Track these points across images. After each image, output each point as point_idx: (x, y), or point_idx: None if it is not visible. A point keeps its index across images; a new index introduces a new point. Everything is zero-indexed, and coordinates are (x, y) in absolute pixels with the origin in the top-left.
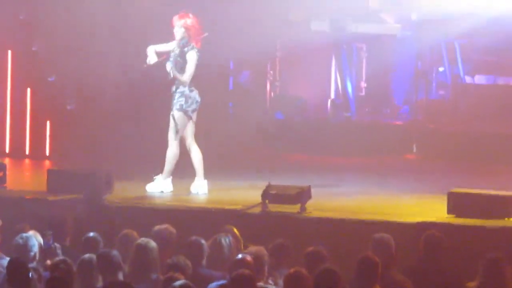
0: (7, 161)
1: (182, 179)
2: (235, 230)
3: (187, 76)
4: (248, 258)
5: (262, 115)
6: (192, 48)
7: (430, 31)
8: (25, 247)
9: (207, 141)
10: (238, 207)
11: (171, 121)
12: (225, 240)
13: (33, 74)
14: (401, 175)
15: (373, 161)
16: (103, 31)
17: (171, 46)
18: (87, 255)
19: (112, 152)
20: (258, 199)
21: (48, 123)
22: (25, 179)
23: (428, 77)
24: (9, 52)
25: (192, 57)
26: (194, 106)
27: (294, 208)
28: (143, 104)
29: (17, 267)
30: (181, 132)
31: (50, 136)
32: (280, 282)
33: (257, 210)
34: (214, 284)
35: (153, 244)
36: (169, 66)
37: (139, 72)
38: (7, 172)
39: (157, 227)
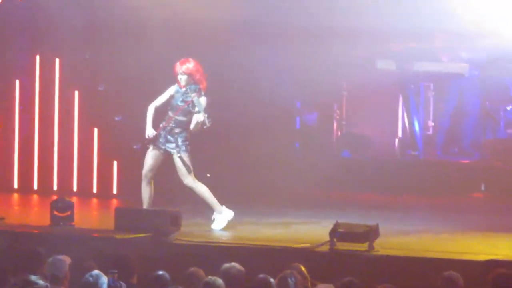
0: (74, 199)
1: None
2: (303, 268)
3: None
4: None
5: (328, 154)
6: (202, 96)
7: (497, 70)
8: (95, 285)
9: (273, 179)
10: (306, 245)
11: (181, 163)
12: (291, 279)
13: (100, 114)
14: (469, 213)
15: (441, 200)
16: (168, 69)
17: (172, 91)
18: None
19: (178, 190)
20: (325, 237)
21: (115, 162)
22: (93, 217)
23: (496, 116)
24: (76, 92)
25: (201, 102)
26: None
27: (362, 246)
28: (208, 142)
29: None
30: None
31: (117, 175)
32: None
33: (325, 248)
34: None
35: (220, 282)
36: (201, 116)
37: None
38: (75, 211)
39: (225, 265)
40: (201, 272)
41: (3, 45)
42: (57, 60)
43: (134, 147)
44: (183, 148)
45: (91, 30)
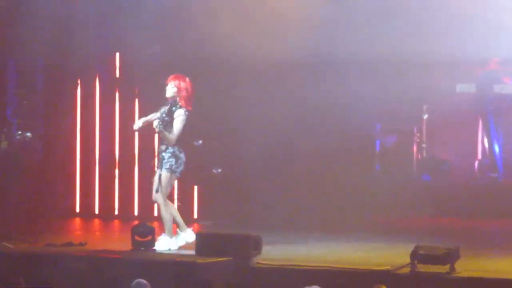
0: (155, 224)
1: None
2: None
3: (174, 135)
4: None
5: (409, 177)
6: (180, 108)
7: None
8: None
9: (353, 202)
10: (387, 267)
11: (157, 181)
12: None
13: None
14: None
15: None
16: (246, 96)
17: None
18: None
19: (258, 213)
20: (406, 259)
21: (195, 187)
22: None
23: None
24: None
25: (179, 116)
26: (182, 167)
27: (443, 269)
28: (290, 165)
29: None
30: (168, 191)
31: (198, 200)
32: None
33: (406, 270)
34: None
35: None
36: (156, 123)
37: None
38: (156, 236)
39: None
40: None
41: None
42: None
43: (214, 171)
44: (166, 166)
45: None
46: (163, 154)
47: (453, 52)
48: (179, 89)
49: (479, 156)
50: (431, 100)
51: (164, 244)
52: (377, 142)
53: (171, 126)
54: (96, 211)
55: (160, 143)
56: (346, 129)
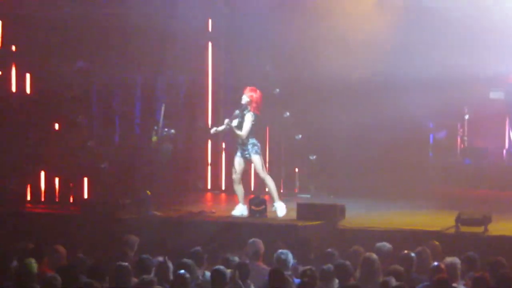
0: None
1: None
2: (437, 243)
3: (244, 132)
4: (442, 265)
5: (454, 162)
6: (249, 111)
7: None
8: (285, 260)
9: (413, 178)
10: (438, 228)
11: (256, 162)
12: (424, 250)
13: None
14: None
15: None
16: (337, 104)
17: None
18: (327, 266)
19: (343, 188)
20: (452, 222)
21: (296, 169)
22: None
23: None
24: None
25: (248, 118)
26: (260, 150)
27: (479, 229)
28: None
29: (278, 275)
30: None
31: (299, 178)
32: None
33: (452, 230)
34: (421, 285)
35: (375, 256)
36: (226, 120)
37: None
38: (267, 205)
39: (378, 244)
40: (361, 249)
41: None
42: None
43: (310, 157)
44: (253, 151)
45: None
46: (246, 145)
47: (486, 67)
48: (251, 99)
49: (507, 146)
50: (471, 103)
51: (281, 209)
52: (431, 135)
53: (242, 124)
54: (223, 188)
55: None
56: (408, 126)
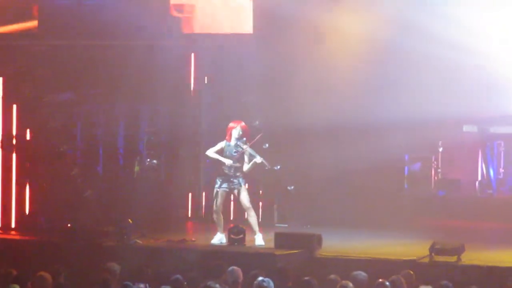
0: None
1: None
2: (411, 272)
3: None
4: None
5: (429, 193)
6: (244, 143)
7: None
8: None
9: (388, 209)
10: (413, 257)
11: (245, 194)
12: (399, 279)
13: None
14: None
15: (509, 225)
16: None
17: (222, 145)
18: None
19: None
20: (426, 252)
21: (275, 200)
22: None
23: None
24: None
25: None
26: None
27: (452, 259)
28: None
29: None
30: None
31: (276, 208)
32: None
33: (426, 260)
34: None
35: (351, 285)
36: (259, 159)
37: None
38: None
39: (354, 273)
40: (338, 277)
41: None
42: None
43: (288, 188)
44: (243, 183)
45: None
46: (238, 178)
47: (462, 104)
48: (245, 131)
49: (479, 177)
50: (445, 136)
51: (261, 240)
52: (406, 167)
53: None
54: (203, 215)
55: (236, 169)
56: (385, 158)
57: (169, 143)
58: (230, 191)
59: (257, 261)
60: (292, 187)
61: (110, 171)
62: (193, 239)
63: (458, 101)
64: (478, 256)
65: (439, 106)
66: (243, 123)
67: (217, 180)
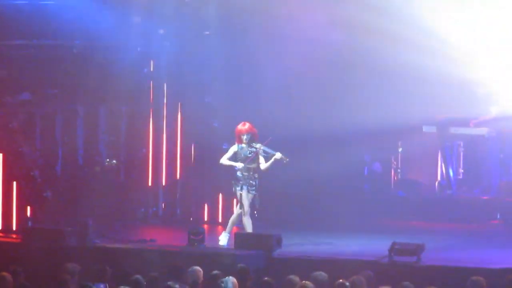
0: (205, 226)
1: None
2: (371, 273)
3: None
4: None
5: (388, 193)
6: (257, 144)
7: (508, 132)
8: None
9: (348, 210)
10: (372, 258)
11: (251, 199)
12: (359, 279)
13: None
14: (489, 235)
15: (469, 225)
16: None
17: (235, 149)
18: None
19: (280, 219)
20: (385, 252)
21: (235, 201)
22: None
23: (508, 164)
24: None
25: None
26: None
27: (412, 259)
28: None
29: None
30: None
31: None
32: None
33: (386, 260)
34: None
35: (311, 285)
36: (279, 155)
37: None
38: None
39: (314, 273)
40: (297, 278)
41: None
42: None
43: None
44: (254, 188)
45: None
46: (256, 180)
47: (421, 102)
48: (253, 133)
49: (439, 178)
50: (405, 137)
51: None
52: (366, 168)
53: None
54: (162, 217)
55: (254, 171)
56: (345, 159)
57: (129, 143)
58: (250, 194)
59: (217, 261)
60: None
61: (70, 171)
62: (153, 239)
63: (417, 102)
64: (437, 256)
65: (398, 106)
66: (250, 124)
67: (238, 183)
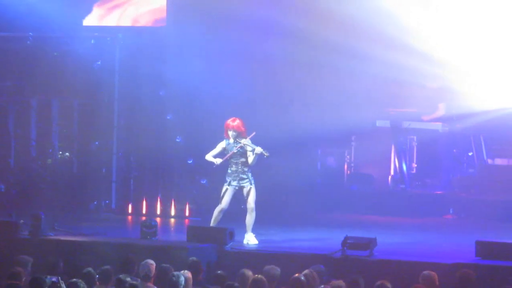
0: (158, 220)
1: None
2: (324, 267)
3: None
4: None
5: (341, 188)
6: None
7: (462, 127)
8: (176, 282)
9: (301, 204)
10: (324, 252)
11: (253, 192)
12: (311, 273)
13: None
14: (441, 229)
15: (422, 220)
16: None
17: (223, 145)
18: None
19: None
20: (338, 246)
21: (187, 193)
22: (171, 233)
23: (461, 160)
24: None
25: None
26: None
27: (364, 253)
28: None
29: None
30: None
31: (189, 201)
32: None
33: (339, 254)
34: None
35: (264, 279)
36: (259, 149)
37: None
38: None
39: (266, 267)
40: (249, 271)
41: None
42: None
43: (202, 182)
44: (253, 180)
45: None
46: (249, 174)
47: (374, 97)
48: (239, 129)
49: (392, 172)
50: (358, 131)
51: (253, 239)
52: (319, 162)
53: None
54: (116, 210)
55: (243, 165)
56: (298, 152)
57: (82, 136)
58: (239, 189)
59: (170, 254)
60: (205, 181)
61: (22, 163)
62: (105, 232)
63: (371, 97)
64: (390, 250)
65: (352, 100)
66: (239, 119)
67: (227, 178)
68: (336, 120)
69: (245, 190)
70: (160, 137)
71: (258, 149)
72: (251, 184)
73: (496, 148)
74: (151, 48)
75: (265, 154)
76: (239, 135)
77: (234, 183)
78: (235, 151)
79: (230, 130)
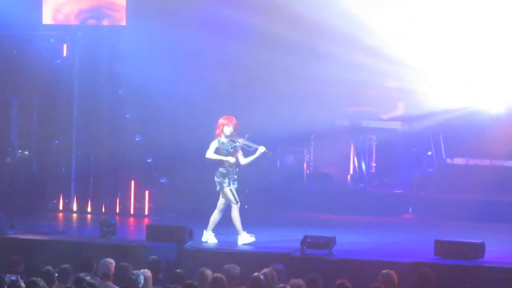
0: (117, 218)
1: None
2: (283, 266)
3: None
4: (287, 287)
5: (300, 186)
6: (238, 139)
7: (421, 127)
8: (135, 281)
9: (261, 203)
10: (284, 251)
11: (234, 192)
12: (271, 272)
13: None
14: (400, 228)
15: (380, 219)
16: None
17: (216, 144)
18: (175, 286)
19: (192, 211)
20: (297, 245)
21: (147, 192)
22: (130, 231)
23: (420, 159)
24: None
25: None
26: None
27: (324, 252)
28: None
29: None
30: None
31: (149, 200)
32: None
33: (298, 253)
34: None
35: (223, 278)
36: (263, 148)
37: None
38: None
39: (226, 266)
40: (209, 270)
41: None
42: None
43: (161, 181)
44: (236, 182)
45: None
46: (238, 173)
47: (333, 95)
48: (235, 127)
49: (351, 171)
50: (318, 130)
51: (248, 239)
52: (278, 161)
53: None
54: (75, 209)
55: (236, 165)
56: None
57: (41, 135)
58: (221, 188)
59: (129, 253)
60: (165, 179)
61: None
62: (64, 230)
63: (330, 95)
64: (349, 249)
65: (311, 99)
66: (234, 119)
67: (225, 180)
68: (296, 119)
69: (233, 189)
70: (119, 136)
71: (262, 148)
72: (236, 183)
73: (455, 147)
74: (110, 47)
75: (269, 153)
76: (233, 133)
77: (234, 183)
78: (231, 149)
79: (229, 127)
